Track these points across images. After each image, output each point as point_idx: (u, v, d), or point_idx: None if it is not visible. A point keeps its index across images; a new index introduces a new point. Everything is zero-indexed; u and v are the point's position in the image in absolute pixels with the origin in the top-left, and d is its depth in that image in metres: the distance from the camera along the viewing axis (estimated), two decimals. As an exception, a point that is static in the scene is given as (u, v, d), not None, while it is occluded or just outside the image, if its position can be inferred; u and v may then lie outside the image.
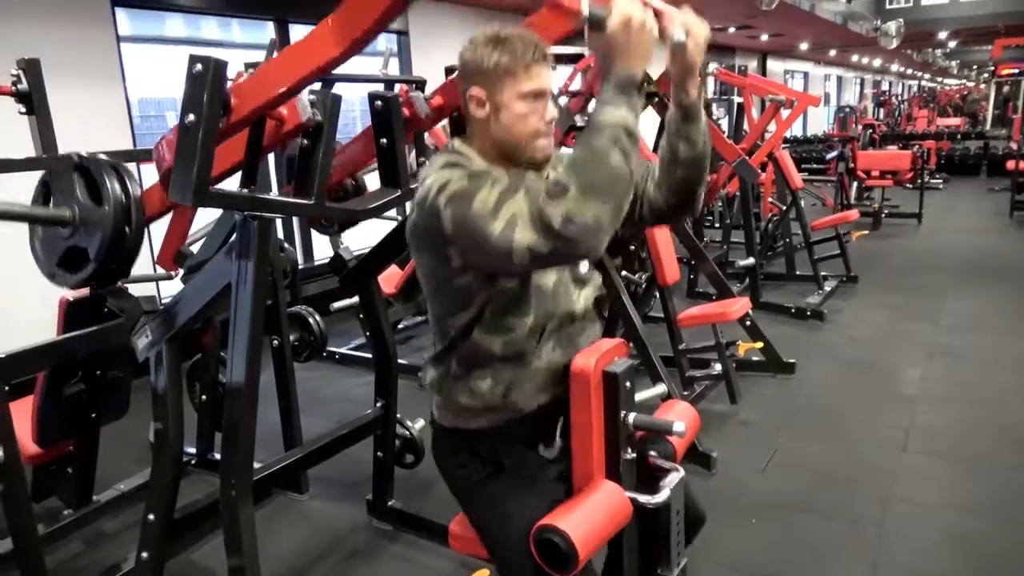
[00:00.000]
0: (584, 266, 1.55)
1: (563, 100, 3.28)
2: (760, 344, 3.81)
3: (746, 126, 5.85)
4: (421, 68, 6.45)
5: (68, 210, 1.64)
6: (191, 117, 1.38)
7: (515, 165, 1.42)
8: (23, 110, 2.18)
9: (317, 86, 1.90)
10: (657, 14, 1.27)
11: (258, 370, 1.68)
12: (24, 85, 2.14)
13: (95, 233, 1.63)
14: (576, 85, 3.37)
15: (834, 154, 9.17)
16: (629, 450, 1.54)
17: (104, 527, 2.88)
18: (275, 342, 2.94)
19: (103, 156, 1.69)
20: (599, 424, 1.48)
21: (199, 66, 1.37)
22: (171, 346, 1.78)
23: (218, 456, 3.27)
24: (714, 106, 6.32)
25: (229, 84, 1.44)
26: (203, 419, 3.23)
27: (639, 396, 3.20)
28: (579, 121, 3.23)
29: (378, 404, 2.61)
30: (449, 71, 2.00)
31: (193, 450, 3.29)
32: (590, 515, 1.41)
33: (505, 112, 1.35)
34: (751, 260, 5.34)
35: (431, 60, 6.72)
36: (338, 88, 2.14)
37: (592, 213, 1.16)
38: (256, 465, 3.09)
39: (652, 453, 1.61)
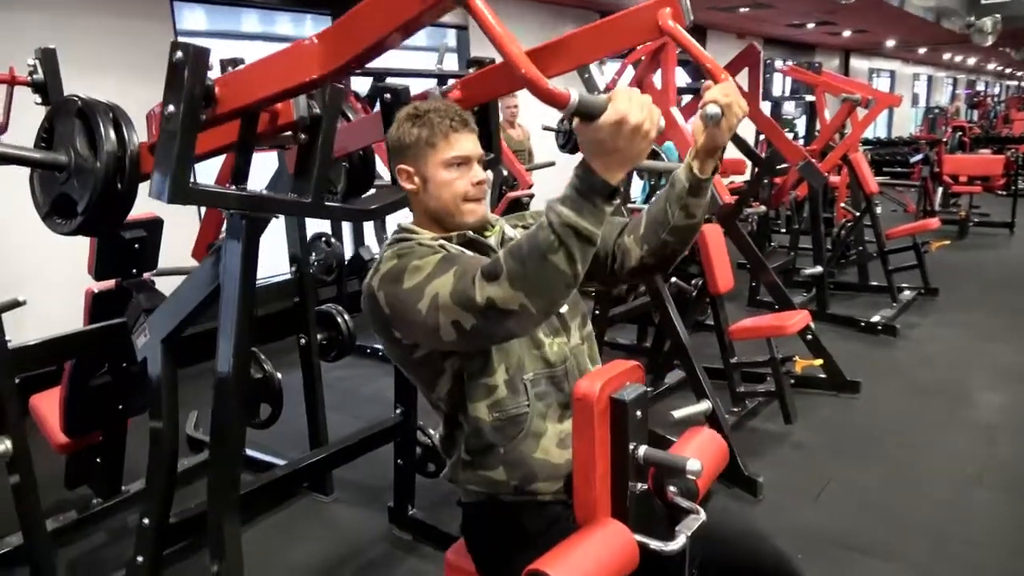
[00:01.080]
0: (562, 307, 1.45)
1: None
2: (820, 361, 3.54)
3: (819, 127, 5.51)
4: (482, 64, 6.34)
5: (64, 155, 1.53)
6: (171, 108, 1.29)
7: (453, 231, 1.41)
8: (39, 100, 2.17)
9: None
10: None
11: (244, 377, 1.59)
12: (40, 75, 2.12)
13: (86, 183, 1.51)
14: (625, 80, 3.17)
15: (918, 157, 8.63)
16: (640, 486, 1.37)
17: (130, 519, 2.88)
18: (303, 340, 2.87)
19: (107, 102, 1.58)
20: (604, 457, 1.32)
21: (179, 54, 1.28)
22: (166, 346, 1.71)
23: (249, 452, 3.29)
24: (787, 105, 5.99)
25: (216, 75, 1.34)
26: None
27: (679, 413, 2.99)
28: None
29: (397, 411, 2.51)
30: (472, 63, 1.87)
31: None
32: (587, 558, 1.26)
33: (431, 182, 1.37)
34: (819, 268, 5.03)
35: (493, 55, 6.64)
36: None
37: (517, 304, 1.11)
38: (280, 463, 3.08)
39: (672, 489, 1.43)
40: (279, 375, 3.06)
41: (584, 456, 1.32)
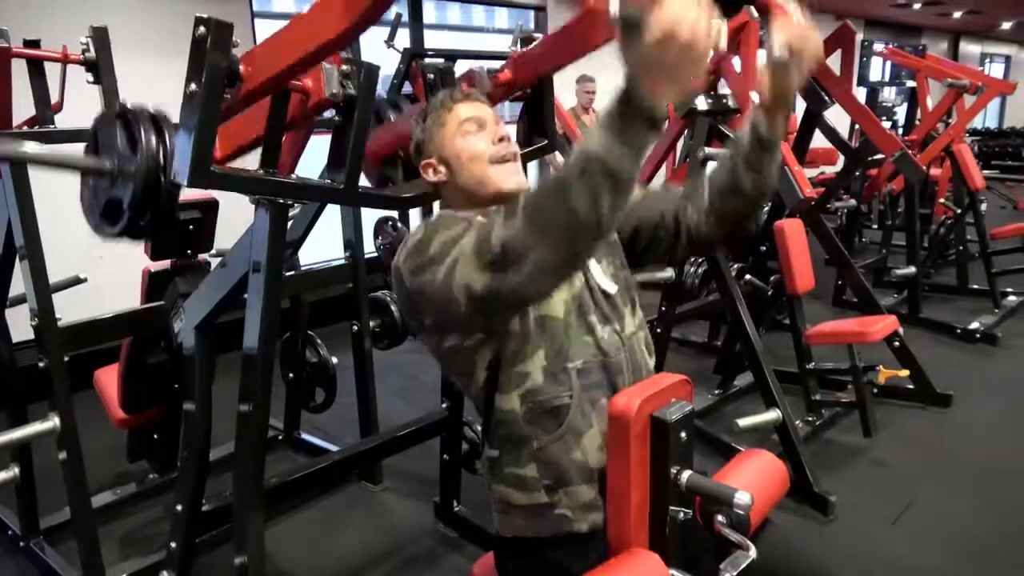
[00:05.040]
0: (611, 287, 1.29)
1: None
2: (906, 372, 3.25)
3: (920, 115, 5.10)
4: (559, 46, 6.18)
5: (108, 160, 1.53)
6: (192, 87, 1.22)
7: (492, 204, 1.27)
8: (91, 79, 2.17)
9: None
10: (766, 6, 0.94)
11: (269, 367, 1.53)
12: (92, 53, 2.12)
13: (128, 183, 1.50)
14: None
15: (1032, 150, 7.94)
16: (683, 514, 1.23)
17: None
18: (355, 327, 2.83)
19: (149, 106, 1.57)
20: (641, 483, 1.19)
21: (202, 29, 1.21)
22: (200, 333, 1.67)
23: (304, 436, 3.30)
24: (884, 90, 5.57)
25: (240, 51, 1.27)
26: (289, 396, 3.22)
27: (745, 422, 2.81)
28: (701, 103, 2.85)
29: (444, 405, 2.43)
30: (526, 41, 1.73)
31: (281, 425, 3.30)
32: (617, 594, 1.13)
33: (452, 160, 1.28)
34: (911, 269, 4.67)
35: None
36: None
37: (534, 255, 0.96)
38: (333, 449, 3.07)
39: (720, 519, 1.28)
40: (334, 359, 3.05)
41: (619, 480, 1.19)
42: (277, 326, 1.52)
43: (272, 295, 1.46)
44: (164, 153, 1.48)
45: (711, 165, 1.30)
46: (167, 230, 2.34)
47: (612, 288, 1.29)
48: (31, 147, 1.42)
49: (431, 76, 1.54)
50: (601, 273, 1.30)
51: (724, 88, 3.03)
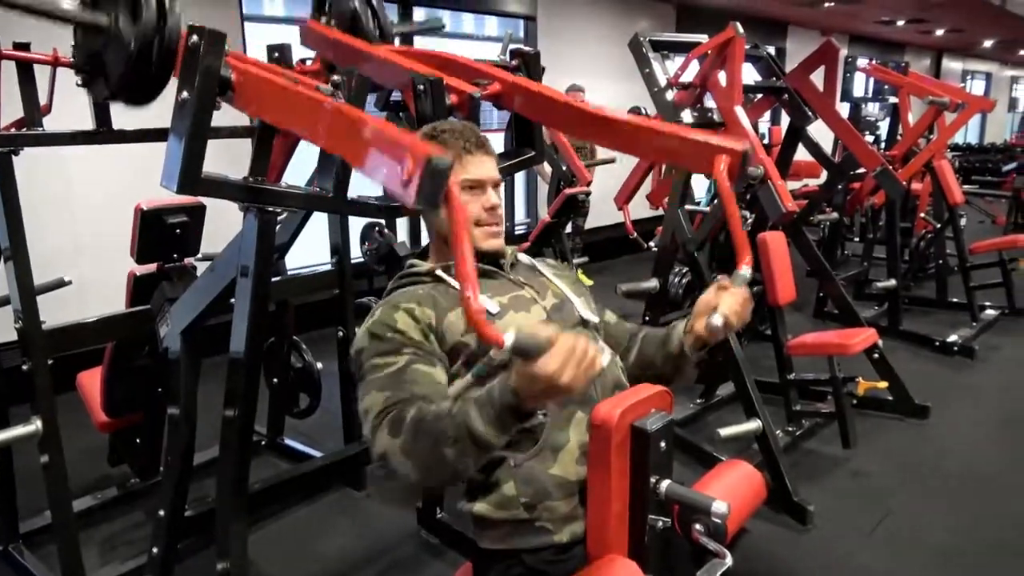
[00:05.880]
0: (592, 317, 1.44)
1: (671, 94, 2.93)
2: (884, 384, 3.30)
3: (902, 131, 5.17)
4: (549, 56, 6.23)
5: (105, 16, 1.41)
6: (184, 94, 1.23)
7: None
8: (80, 82, 2.16)
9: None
10: None
11: (255, 374, 1.54)
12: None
13: (120, 51, 1.40)
14: (689, 76, 3.01)
15: (1012, 166, 8.08)
16: (661, 522, 1.25)
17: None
18: (340, 333, 2.84)
19: None
20: (621, 492, 1.21)
21: (194, 37, 1.22)
22: (185, 338, 1.67)
23: (288, 442, 3.29)
24: (867, 106, 5.64)
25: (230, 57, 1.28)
26: (274, 402, 3.21)
27: (727, 431, 2.84)
28: (687, 117, 2.89)
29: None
30: (515, 55, 1.76)
31: (265, 431, 3.29)
32: (595, 601, 1.15)
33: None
34: (892, 282, 4.73)
35: (561, 47, 6.50)
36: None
37: (404, 470, 1.13)
38: (317, 454, 3.07)
39: (698, 527, 1.30)
40: (319, 365, 3.05)
41: (599, 489, 1.21)
42: (264, 331, 1.53)
43: (259, 300, 1.47)
44: (166, 28, 1.35)
45: (648, 332, 1.49)
46: (154, 234, 2.35)
47: (594, 319, 1.43)
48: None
49: (420, 87, 1.55)
50: (583, 305, 1.43)
51: (709, 102, 3.07)
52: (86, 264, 3.74)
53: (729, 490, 1.43)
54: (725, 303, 1.28)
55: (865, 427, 3.37)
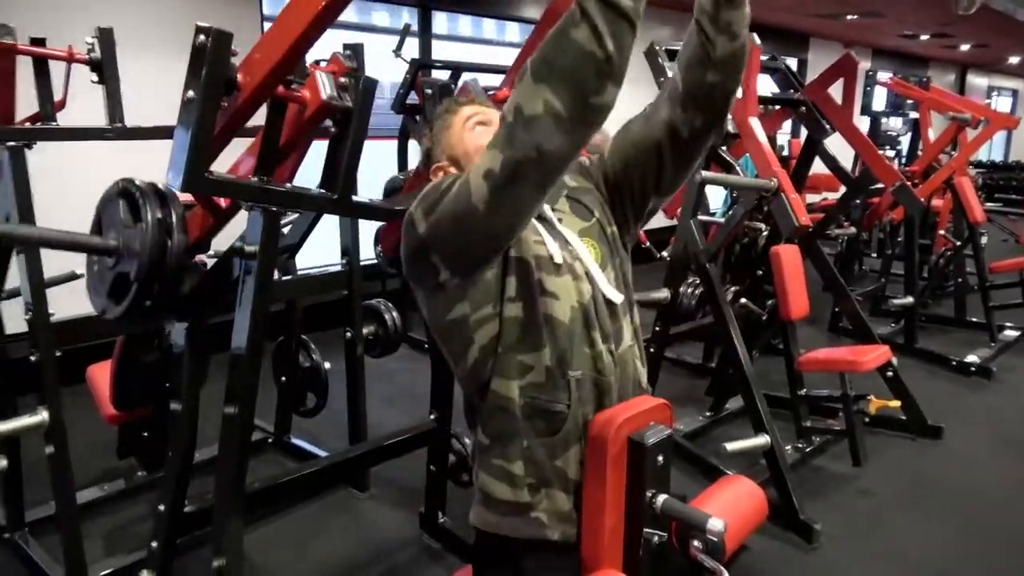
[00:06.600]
0: (616, 296, 1.27)
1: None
2: (897, 403, 3.25)
3: (923, 146, 5.11)
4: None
5: (113, 239, 1.57)
6: (190, 94, 1.24)
7: None
8: (95, 79, 2.20)
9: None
10: None
11: (255, 375, 1.54)
12: (97, 54, 2.15)
13: (135, 256, 1.54)
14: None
15: (1035, 185, 7.95)
16: (657, 537, 1.23)
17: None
18: (348, 334, 2.84)
19: (148, 182, 1.61)
20: (616, 505, 1.19)
21: (201, 37, 1.23)
22: (191, 334, 1.68)
23: (294, 440, 3.30)
24: (889, 120, 5.59)
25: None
26: (281, 400, 3.23)
27: (734, 446, 2.81)
28: (730, 127, 2.82)
29: (432, 416, 2.43)
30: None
31: (272, 428, 3.30)
32: (586, 616, 1.14)
33: (464, 157, 1.31)
34: (909, 299, 4.67)
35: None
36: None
37: (542, 103, 0.96)
38: (322, 454, 3.07)
39: (695, 544, 1.28)
40: (327, 365, 3.06)
41: (595, 499, 1.20)
42: (266, 330, 1.53)
43: (262, 299, 1.47)
44: (170, 220, 1.51)
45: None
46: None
47: (618, 297, 1.28)
48: (39, 230, 1.51)
49: (428, 91, 1.55)
50: (607, 282, 1.28)
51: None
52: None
53: (729, 506, 1.41)
54: None
55: (876, 445, 3.33)
